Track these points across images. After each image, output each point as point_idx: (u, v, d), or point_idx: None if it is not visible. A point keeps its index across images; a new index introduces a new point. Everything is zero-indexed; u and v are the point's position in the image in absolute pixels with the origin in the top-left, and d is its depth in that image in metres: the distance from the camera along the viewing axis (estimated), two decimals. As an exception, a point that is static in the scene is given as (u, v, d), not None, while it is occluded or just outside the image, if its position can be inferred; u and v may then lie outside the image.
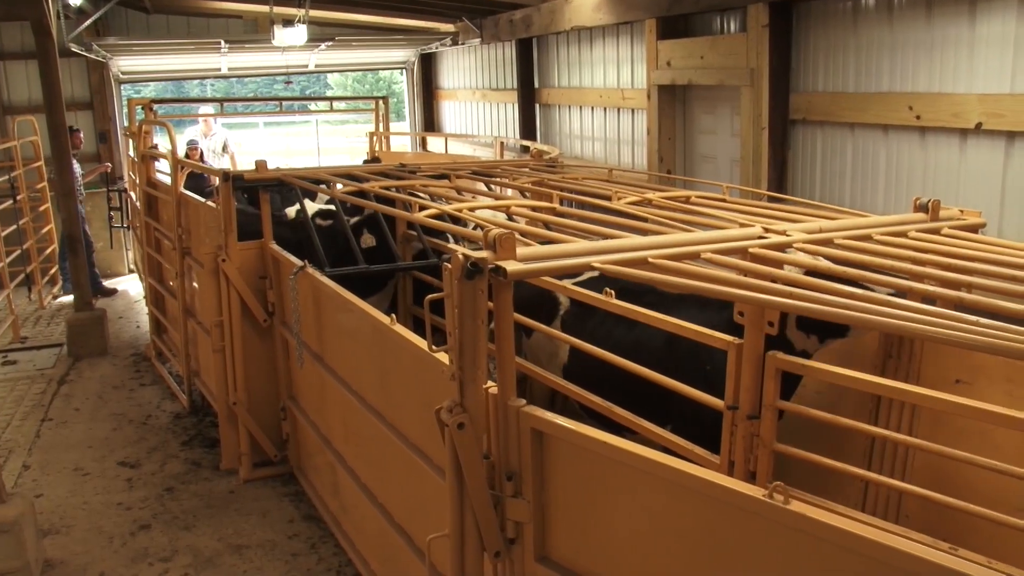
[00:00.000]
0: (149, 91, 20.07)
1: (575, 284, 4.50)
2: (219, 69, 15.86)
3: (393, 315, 4.20)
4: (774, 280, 2.80)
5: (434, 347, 3.07)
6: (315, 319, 5.46)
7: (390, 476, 4.51)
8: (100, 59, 13.65)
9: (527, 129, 12.61)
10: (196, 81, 31.23)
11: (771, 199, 5.53)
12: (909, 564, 1.90)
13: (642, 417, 3.80)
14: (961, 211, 3.97)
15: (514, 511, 2.78)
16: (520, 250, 2.76)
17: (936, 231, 3.63)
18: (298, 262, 5.58)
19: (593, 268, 2.79)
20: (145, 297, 10.59)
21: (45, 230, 12.50)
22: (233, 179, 6.19)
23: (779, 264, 3.05)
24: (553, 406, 5.03)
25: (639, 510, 2.50)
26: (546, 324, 4.75)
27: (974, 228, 3.81)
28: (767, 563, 2.20)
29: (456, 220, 4.85)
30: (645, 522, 2.50)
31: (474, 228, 4.70)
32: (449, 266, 2.68)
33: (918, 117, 6.13)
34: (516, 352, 4.71)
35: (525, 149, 9.03)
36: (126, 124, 13.61)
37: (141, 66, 15.36)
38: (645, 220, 4.03)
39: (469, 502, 2.76)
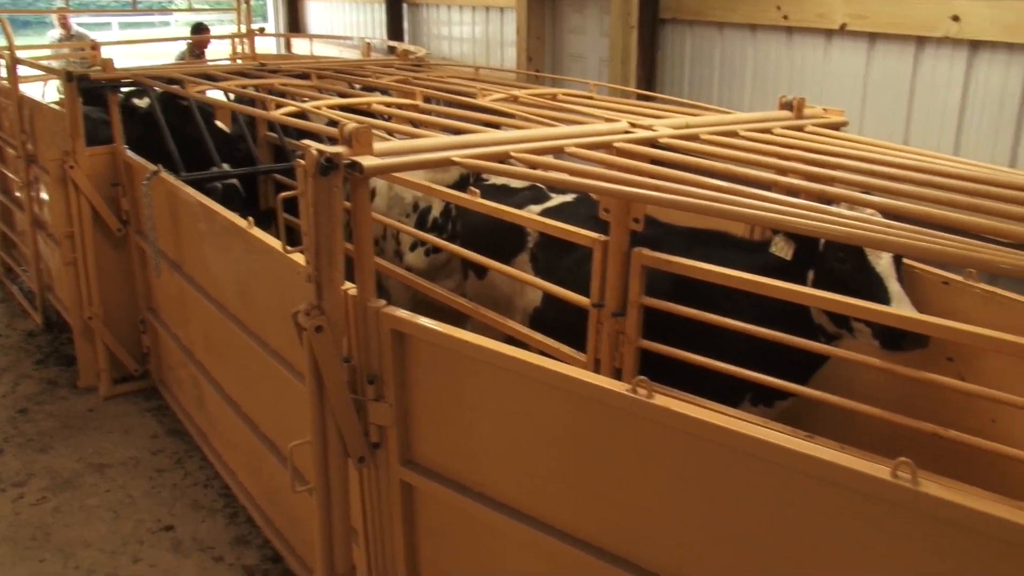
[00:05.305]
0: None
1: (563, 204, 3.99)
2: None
3: (251, 218, 4.00)
4: (639, 174, 2.74)
5: (289, 248, 2.92)
6: (172, 226, 5.20)
7: (254, 385, 4.38)
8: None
9: (394, 30, 12.25)
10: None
11: (639, 97, 5.49)
12: (767, 452, 1.92)
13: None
14: (825, 110, 4.01)
15: (377, 415, 2.70)
16: (377, 145, 2.62)
17: (800, 128, 3.66)
18: (151, 166, 5.28)
19: (453, 163, 2.67)
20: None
21: None
22: (78, 79, 5.78)
23: (646, 158, 2.99)
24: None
25: (504, 409, 2.45)
26: (508, 261, 4.00)
27: (836, 126, 3.86)
28: (633, 458, 2.19)
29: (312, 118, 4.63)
30: (510, 421, 2.45)
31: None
32: (302, 163, 2.53)
33: (785, 17, 6.16)
34: (461, 295, 4.22)
35: (392, 50, 8.74)
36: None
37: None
38: (511, 116, 3.92)
39: (330, 407, 2.66)
